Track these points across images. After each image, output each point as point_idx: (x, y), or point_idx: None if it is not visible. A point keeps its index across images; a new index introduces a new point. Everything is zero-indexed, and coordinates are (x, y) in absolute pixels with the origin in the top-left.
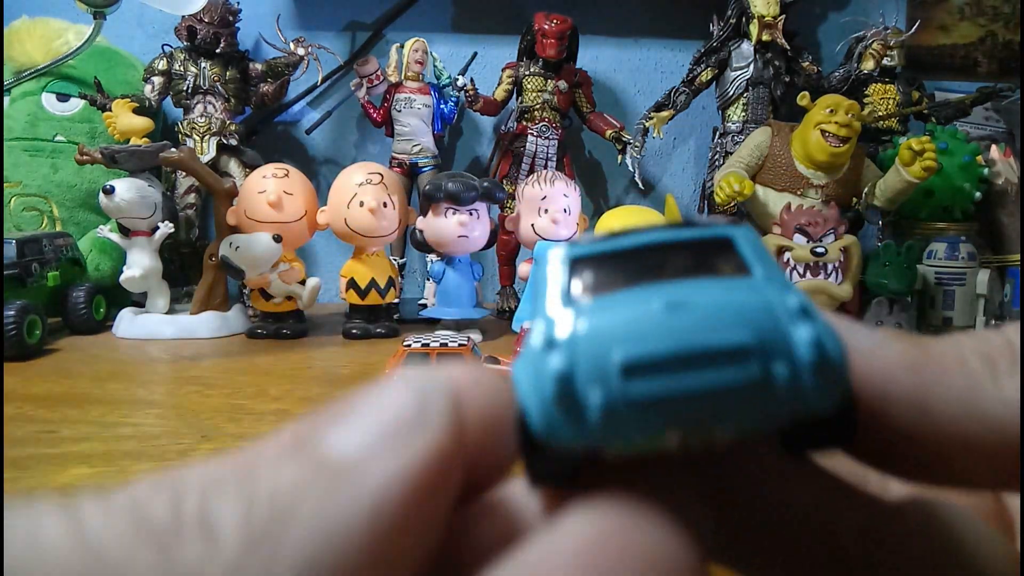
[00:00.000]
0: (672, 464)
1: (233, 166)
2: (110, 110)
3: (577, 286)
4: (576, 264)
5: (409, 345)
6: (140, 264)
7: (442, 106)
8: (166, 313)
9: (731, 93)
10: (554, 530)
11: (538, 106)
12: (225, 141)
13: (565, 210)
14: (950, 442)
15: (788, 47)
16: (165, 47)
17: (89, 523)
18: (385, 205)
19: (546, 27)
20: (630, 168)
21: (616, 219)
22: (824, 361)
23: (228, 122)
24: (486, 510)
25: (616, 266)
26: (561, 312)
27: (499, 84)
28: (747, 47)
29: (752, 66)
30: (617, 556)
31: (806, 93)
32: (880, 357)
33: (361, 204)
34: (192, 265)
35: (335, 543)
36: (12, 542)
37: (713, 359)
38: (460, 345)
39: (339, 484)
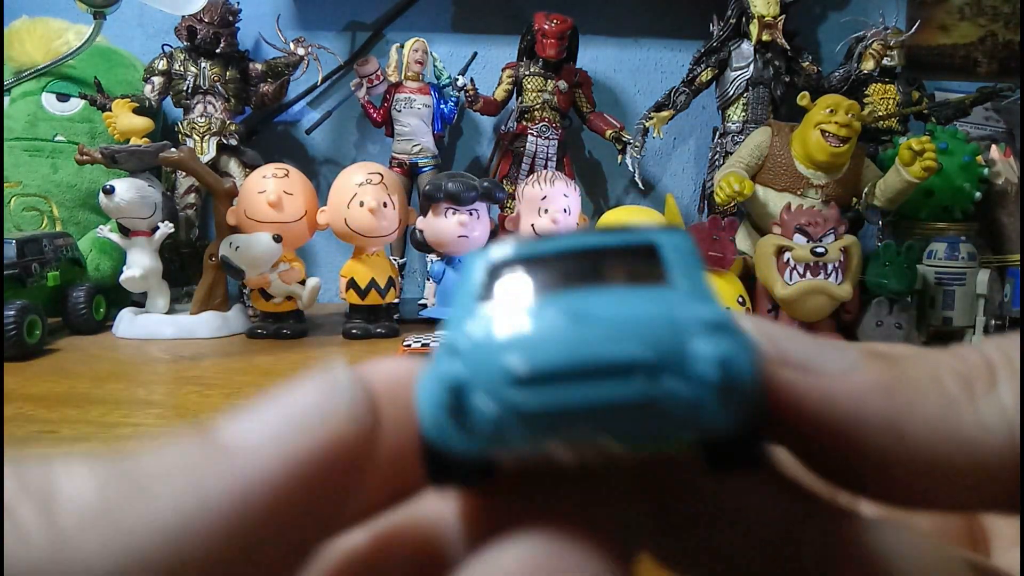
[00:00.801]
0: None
1: (233, 166)
2: (110, 110)
3: (491, 292)
4: (495, 269)
5: (409, 345)
6: (140, 264)
7: (442, 106)
8: (166, 313)
9: (731, 93)
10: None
11: (538, 106)
12: (225, 141)
13: (565, 210)
14: (926, 467)
15: (788, 47)
16: (165, 47)
17: None
18: (385, 205)
19: (546, 27)
20: (630, 168)
21: (616, 219)
22: (728, 380)
23: (228, 122)
24: (404, 530)
25: (536, 272)
26: (469, 318)
27: (499, 84)
28: (747, 47)
29: (752, 66)
30: None
31: (806, 93)
32: (852, 380)
33: (361, 204)
34: (192, 265)
35: (197, 520)
36: None
37: (605, 373)
38: None
39: (219, 463)
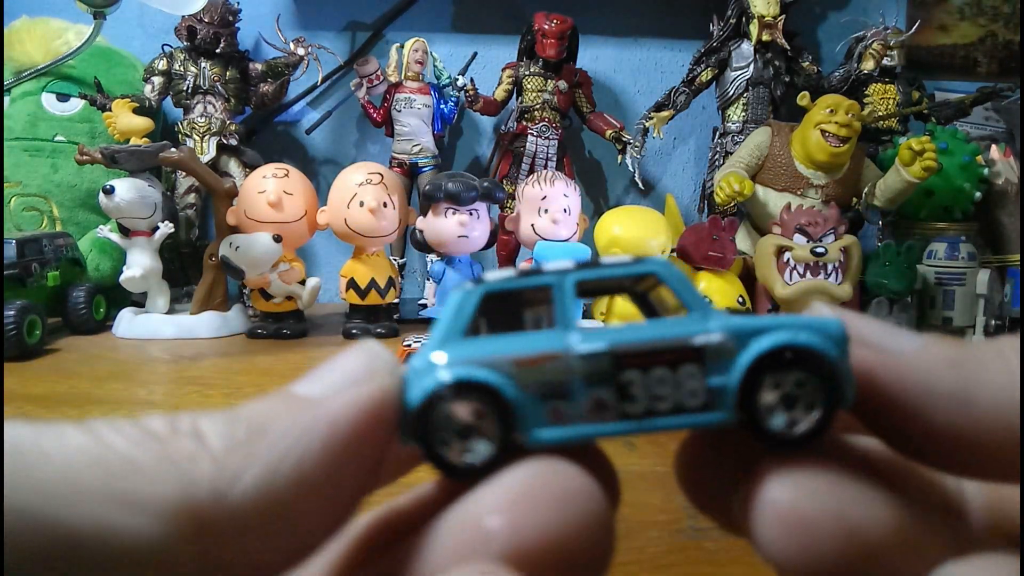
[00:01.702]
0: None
1: (233, 166)
2: (110, 110)
3: None
4: None
5: (409, 345)
6: (140, 264)
7: (442, 106)
8: (166, 313)
9: (731, 93)
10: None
11: (538, 106)
12: (225, 141)
13: (565, 210)
14: (993, 433)
15: (788, 47)
16: (165, 47)
17: (101, 430)
18: (385, 205)
19: (546, 27)
20: (630, 168)
21: (616, 219)
22: (411, 408)
23: (228, 122)
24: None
25: None
26: None
27: (499, 84)
28: (747, 47)
29: (752, 66)
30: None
31: (806, 93)
32: (923, 355)
33: (361, 204)
34: (192, 265)
35: (297, 453)
36: (45, 443)
37: None
38: None
39: (303, 410)
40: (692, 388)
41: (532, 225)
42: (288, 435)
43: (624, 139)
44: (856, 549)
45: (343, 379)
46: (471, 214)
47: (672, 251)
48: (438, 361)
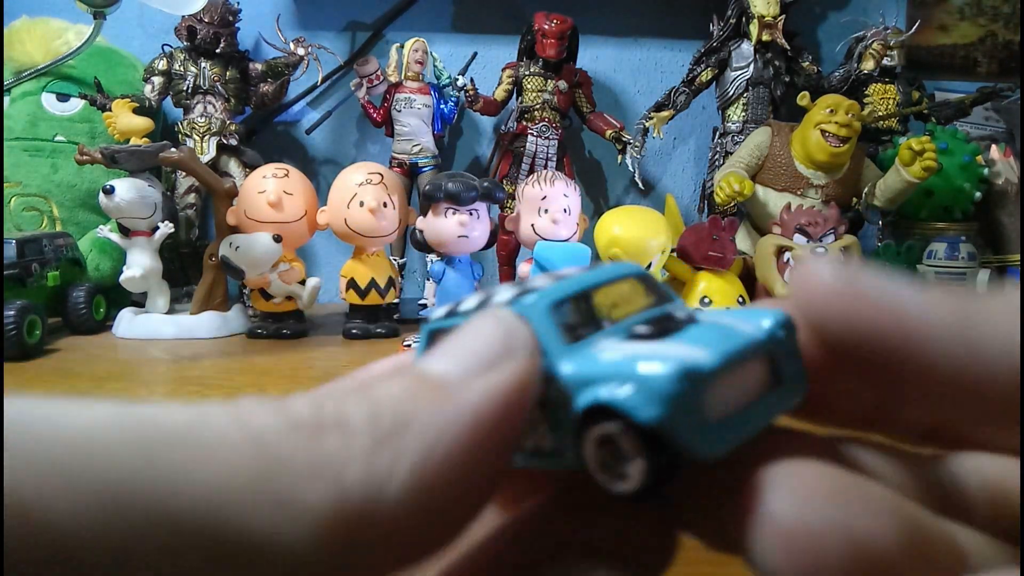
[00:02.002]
0: None
1: (233, 166)
2: (110, 110)
3: None
4: None
5: (409, 345)
6: (140, 264)
7: (442, 106)
8: (166, 313)
9: (731, 93)
10: None
11: (538, 106)
12: (225, 141)
13: (565, 210)
14: (1000, 378)
15: (788, 47)
16: (165, 47)
17: (252, 420)
18: (385, 205)
19: (546, 27)
20: (630, 168)
21: (616, 219)
22: None
23: (228, 122)
24: None
25: None
26: None
27: (499, 84)
28: (747, 47)
29: (752, 66)
30: None
31: (806, 93)
32: (930, 306)
33: (361, 204)
34: (192, 265)
35: (444, 446)
36: (188, 428)
37: None
38: None
39: (444, 399)
40: (542, 432)
41: (532, 225)
42: (433, 427)
43: (624, 139)
44: (865, 564)
45: (479, 359)
46: (471, 214)
47: (672, 251)
48: None
